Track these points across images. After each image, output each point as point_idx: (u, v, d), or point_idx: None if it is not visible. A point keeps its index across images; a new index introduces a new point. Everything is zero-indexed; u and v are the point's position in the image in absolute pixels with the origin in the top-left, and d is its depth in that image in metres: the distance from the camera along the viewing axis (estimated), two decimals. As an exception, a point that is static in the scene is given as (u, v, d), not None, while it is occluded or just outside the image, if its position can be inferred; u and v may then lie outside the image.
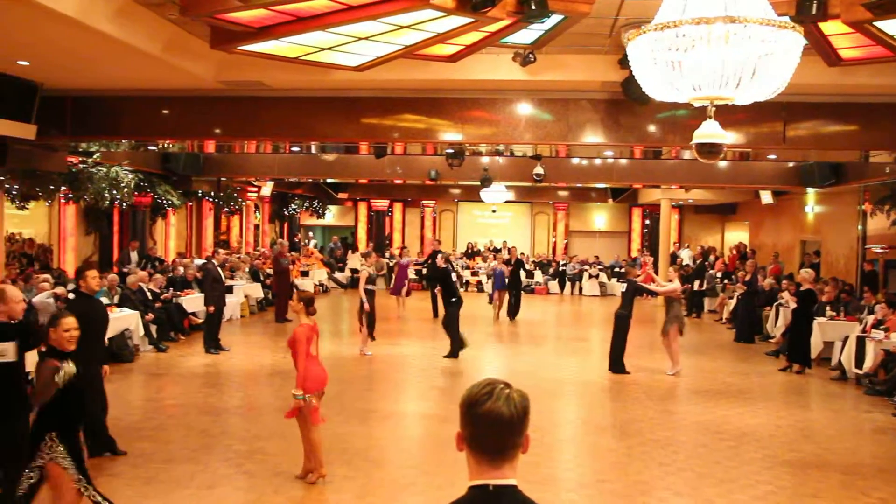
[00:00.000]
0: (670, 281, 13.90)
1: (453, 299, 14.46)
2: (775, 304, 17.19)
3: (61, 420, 5.65)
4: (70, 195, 16.67)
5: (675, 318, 13.36)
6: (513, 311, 20.41)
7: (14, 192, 14.87)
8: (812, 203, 22.72)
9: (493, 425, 2.26)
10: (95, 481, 7.34)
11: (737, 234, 30.35)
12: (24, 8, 6.90)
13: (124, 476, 7.67)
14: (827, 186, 19.40)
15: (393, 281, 22.02)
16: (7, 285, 6.85)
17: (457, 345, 14.26)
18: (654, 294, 14.67)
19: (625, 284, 13.94)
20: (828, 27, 7.80)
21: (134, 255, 19.00)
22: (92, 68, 10.46)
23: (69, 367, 5.67)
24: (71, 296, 12.47)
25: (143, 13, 8.54)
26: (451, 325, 14.33)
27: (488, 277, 21.04)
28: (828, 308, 14.79)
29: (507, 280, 20.20)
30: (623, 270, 23.29)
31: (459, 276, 28.27)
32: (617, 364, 13.29)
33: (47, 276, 13.84)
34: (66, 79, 11.19)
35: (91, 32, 8.07)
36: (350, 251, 31.72)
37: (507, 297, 20.47)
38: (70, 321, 5.86)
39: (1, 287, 6.43)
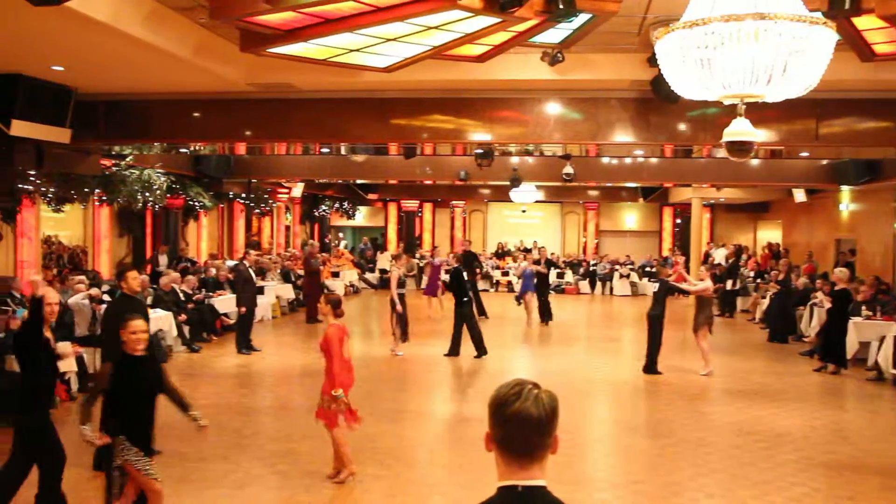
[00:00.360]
0: (701, 280, 13.77)
1: (465, 299, 14.48)
2: (809, 303, 16.99)
3: (129, 423, 5.73)
4: (104, 198, 16.87)
5: (706, 318, 13.26)
6: (545, 314, 19.77)
7: (50, 196, 15.07)
8: (846, 201, 22.42)
9: (521, 426, 2.25)
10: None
11: (769, 233, 30.05)
12: (57, 14, 6.99)
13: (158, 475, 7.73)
14: (862, 184, 19.13)
15: (425, 281, 22.02)
16: (46, 287, 6.97)
17: (456, 344, 14.48)
18: (686, 293, 14.55)
19: (656, 284, 13.83)
20: (861, 22, 7.69)
21: (163, 258, 19.17)
22: (124, 72, 10.58)
23: (94, 437, 5.76)
24: (106, 297, 12.66)
25: (174, 17, 8.62)
26: (459, 325, 14.44)
27: (518, 278, 20.10)
28: (863, 307, 14.59)
29: (535, 281, 19.55)
30: (654, 270, 23.08)
31: (489, 276, 28.48)
32: (651, 366, 13.24)
33: (82, 277, 14.01)
34: (99, 83, 11.33)
35: (123, 37, 8.17)
36: (379, 252, 31.85)
37: (535, 299, 19.80)
38: (138, 323, 5.89)
39: (46, 290, 6.54)
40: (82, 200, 16.37)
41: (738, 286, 22.81)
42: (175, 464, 8.03)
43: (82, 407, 5.86)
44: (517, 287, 21.40)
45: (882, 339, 13.23)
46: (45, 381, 6.37)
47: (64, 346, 7.04)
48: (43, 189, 14.37)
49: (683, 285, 14.35)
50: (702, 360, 13.33)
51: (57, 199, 15.59)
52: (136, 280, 8.17)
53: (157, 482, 5.81)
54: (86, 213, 18.06)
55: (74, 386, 11.08)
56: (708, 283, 13.55)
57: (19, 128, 10.60)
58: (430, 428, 10.07)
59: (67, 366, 10.83)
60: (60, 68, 10.31)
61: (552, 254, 26.05)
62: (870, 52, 8.68)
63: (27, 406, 6.19)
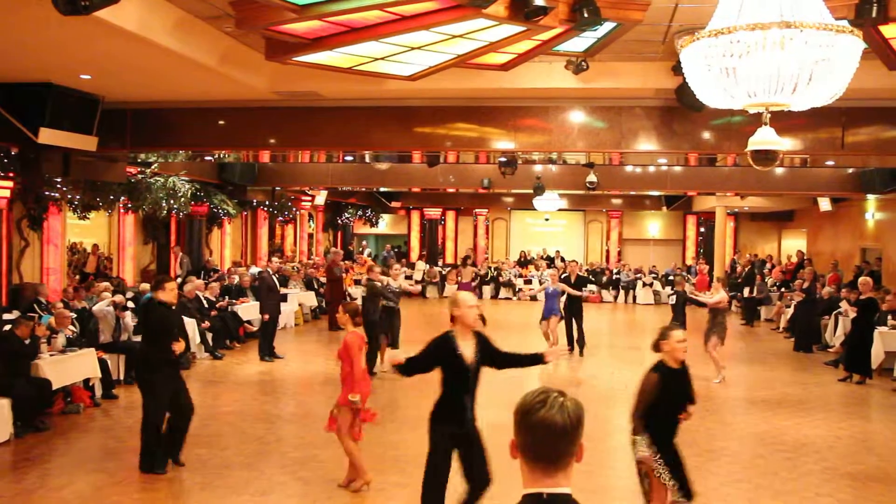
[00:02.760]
0: (717, 292, 13.91)
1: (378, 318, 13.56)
2: (834, 312, 16.84)
3: (661, 432, 6.09)
4: (129, 205, 17.02)
5: (716, 327, 13.47)
6: (580, 342, 16.18)
7: (76, 203, 15.22)
8: (872, 210, 22.23)
9: (546, 433, 2.26)
10: (154, 485, 7.51)
11: (794, 242, 29.82)
12: (87, 24, 7.07)
13: (181, 482, 7.79)
14: (888, 192, 18.97)
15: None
16: (459, 291, 6.84)
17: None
18: (703, 305, 14.57)
19: (673, 296, 13.88)
20: (889, 30, 7.65)
21: (175, 265, 18.92)
22: (151, 81, 10.68)
23: (645, 452, 6.11)
24: (130, 304, 12.75)
25: (201, 26, 8.70)
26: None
27: (545, 297, 16.15)
28: (889, 317, 14.44)
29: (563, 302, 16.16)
30: (673, 280, 22.80)
31: (512, 285, 28.44)
32: None
33: (107, 284, 14.13)
34: (126, 92, 11.44)
35: (150, 46, 8.25)
36: (403, 259, 32.01)
37: (561, 322, 16.14)
38: (680, 334, 6.12)
39: (454, 293, 6.50)
40: (108, 208, 16.52)
41: (755, 294, 22.63)
42: (198, 470, 8.08)
43: (635, 420, 6.24)
44: (540, 297, 17.73)
45: None
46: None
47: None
48: (69, 196, 14.52)
49: (700, 297, 14.48)
50: (713, 368, 13.51)
51: (83, 207, 15.75)
52: (173, 291, 8.25)
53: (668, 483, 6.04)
54: (111, 220, 18.22)
55: (99, 392, 11.17)
56: (722, 295, 13.78)
57: (47, 136, 10.73)
58: (452, 436, 10.04)
59: (92, 372, 10.94)
60: (88, 77, 10.43)
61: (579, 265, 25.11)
62: (897, 61, 8.62)
63: None
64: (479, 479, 6.18)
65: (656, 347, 6.17)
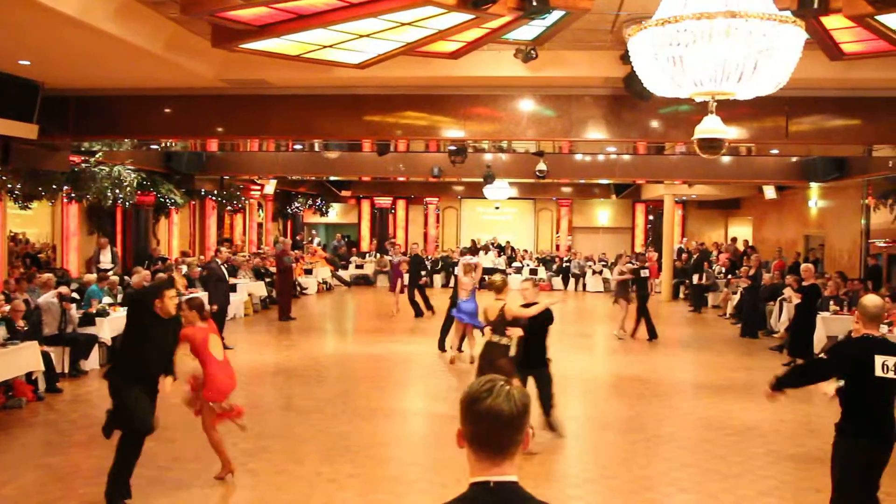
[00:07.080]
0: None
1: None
2: (779, 298, 17.15)
3: None
4: (73, 195, 16.67)
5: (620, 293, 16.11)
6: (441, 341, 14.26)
7: (17, 192, 14.87)
8: (815, 197, 22.68)
9: (493, 422, 2.26)
10: (99, 480, 7.37)
11: (740, 229, 30.32)
12: (25, 8, 6.91)
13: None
14: (830, 181, 19.39)
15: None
16: None
17: None
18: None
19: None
20: (830, 21, 7.78)
21: (106, 255, 18.02)
22: (93, 67, 10.47)
23: None
24: (75, 295, 12.48)
25: (144, 12, 8.54)
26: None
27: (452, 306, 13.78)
28: (831, 302, 14.75)
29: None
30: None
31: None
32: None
33: (50, 275, 13.83)
34: (67, 78, 11.20)
35: (92, 31, 8.08)
36: (353, 248, 31.94)
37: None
38: None
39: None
40: (50, 197, 16.17)
41: (703, 280, 22.97)
42: (146, 464, 7.92)
43: None
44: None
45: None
46: None
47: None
48: (9, 185, 14.18)
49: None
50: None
51: (24, 196, 15.38)
52: (173, 300, 7.19)
53: None
54: (54, 210, 17.85)
55: (42, 386, 10.94)
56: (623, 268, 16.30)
57: (-15, 123, 10.48)
58: (404, 425, 10.06)
59: (34, 365, 10.70)
60: (27, 62, 10.19)
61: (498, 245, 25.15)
62: (838, 52, 8.79)
63: None
64: None
65: None
